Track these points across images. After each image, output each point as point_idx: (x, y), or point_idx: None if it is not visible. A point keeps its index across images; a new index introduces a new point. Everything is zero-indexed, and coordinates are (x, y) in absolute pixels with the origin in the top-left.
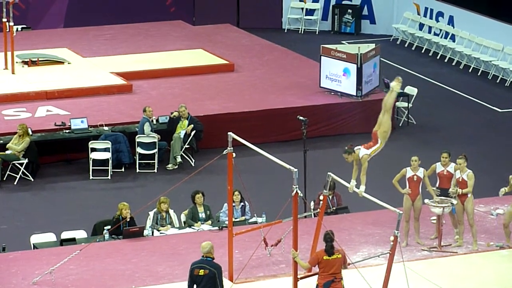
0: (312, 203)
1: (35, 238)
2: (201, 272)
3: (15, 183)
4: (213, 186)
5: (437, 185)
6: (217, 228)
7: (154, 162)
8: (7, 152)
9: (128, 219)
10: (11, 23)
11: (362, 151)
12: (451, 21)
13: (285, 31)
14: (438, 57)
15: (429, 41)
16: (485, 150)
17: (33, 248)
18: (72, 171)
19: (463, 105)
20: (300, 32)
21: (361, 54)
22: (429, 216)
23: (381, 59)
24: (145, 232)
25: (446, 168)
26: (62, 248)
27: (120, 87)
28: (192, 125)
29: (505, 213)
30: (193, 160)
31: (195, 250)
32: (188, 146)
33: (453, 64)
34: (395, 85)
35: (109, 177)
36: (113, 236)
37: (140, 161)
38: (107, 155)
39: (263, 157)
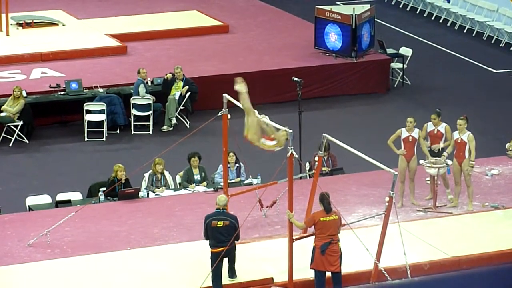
0: (307, 164)
1: (30, 200)
2: (220, 223)
3: (10, 145)
4: (208, 148)
5: (428, 144)
6: (212, 189)
7: (149, 124)
8: (1, 114)
9: (123, 181)
10: None
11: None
12: None
13: None
14: (433, 18)
15: (423, 1)
16: (480, 111)
17: (29, 210)
18: (67, 133)
19: (458, 65)
20: None
21: (355, 15)
22: (424, 177)
23: (376, 20)
24: (140, 194)
25: (437, 128)
26: (58, 210)
27: (115, 49)
28: (187, 87)
29: None
30: (188, 122)
31: (191, 212)
32: (183, 107)
33: (448, 24)
34: (239, 87)
35: (104, 139)
36: (108, 197)
37: (135, 123)
38: (102, 117)
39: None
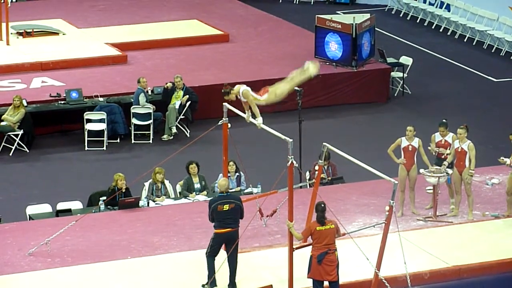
0: (307, 173)
1: (31, 209)
2: (226, 207)
3: (10, 154)
4: (208, 157)
5: (436, 150)
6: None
7: (150, 133)
8: (2, 123)
9: (123, 190)
10: None
11: (243, 87)
12: None
13: (280, 1)
14: (433, 27)
15: (424, 10)
16: (480, 120)
17: (29, 219)
18: (67, 142)
19: (458, 75)
20: (295, 2)
21: (356, 24)
22: (425, 186)
23: (376, 29)
24: (141, 203)
25: (445, 138)
26: (58, 219)
27: (115, 58)
28: (187, 96)
29: (508, 180)
30: (188, 131)
31: (191, 221)
32: (183, 116)
33: (448, 33)
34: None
35: (104, 148)
36: (108, 207)
37: (135, 132)
38: (102, 126)
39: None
